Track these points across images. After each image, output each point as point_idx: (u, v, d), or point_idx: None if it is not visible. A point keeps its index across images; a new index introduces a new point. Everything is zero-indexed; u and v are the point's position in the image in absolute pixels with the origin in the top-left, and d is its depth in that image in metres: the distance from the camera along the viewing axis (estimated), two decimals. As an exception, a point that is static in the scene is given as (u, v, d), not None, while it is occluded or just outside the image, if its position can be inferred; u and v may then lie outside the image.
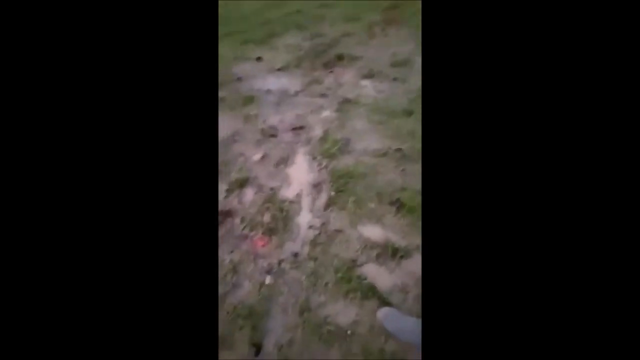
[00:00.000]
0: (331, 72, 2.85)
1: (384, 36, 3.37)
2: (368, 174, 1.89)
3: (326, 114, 2.40)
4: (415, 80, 2.68)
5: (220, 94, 2.68)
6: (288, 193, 1.82)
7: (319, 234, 1.62)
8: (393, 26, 3.53)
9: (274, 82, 2.79)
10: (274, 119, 2.38)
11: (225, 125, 2.34)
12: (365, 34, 3.40)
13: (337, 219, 1.67)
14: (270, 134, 2.25)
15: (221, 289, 1.43)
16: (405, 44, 3.20)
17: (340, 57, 2.99)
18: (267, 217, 1.70)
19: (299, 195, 1.80)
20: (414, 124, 2.25)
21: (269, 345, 1.28)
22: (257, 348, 1.27)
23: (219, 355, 1.24)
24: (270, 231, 1.65)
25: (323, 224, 1.66)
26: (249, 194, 1.83)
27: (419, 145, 2.07)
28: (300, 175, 1.91)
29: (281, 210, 1.71)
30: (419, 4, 3.87)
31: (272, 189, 1.83)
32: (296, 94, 2.64)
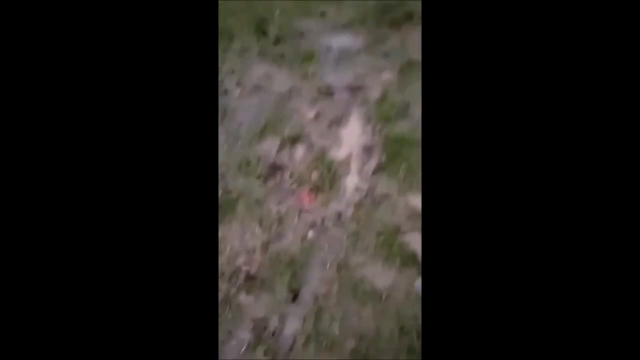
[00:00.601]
0: (397, 31, 2.66)
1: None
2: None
3: (387, 75, 2.27)
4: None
5: (280, 49, 2.65)
6: (338, 154, 1.80)
7: (365, 196, 1.60)
8: None
9: (336, 39, 2.68)
10: (331, 77, 2.32)
11: (283, 81, 2.34)
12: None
13: (384, 185, 1.63)
14: (327, 92, 2.20)
15: (265, 237, 1.50)
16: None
17: (409, 15, 2.77)
18: (315, 175, 1.71)
19: (348, 157, 1.77)
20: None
21: (306, 294, 1.34)
22: (294, 294, 1.33)
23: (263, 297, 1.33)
24: (317, 189, 1.67)
25: (370, 188, 1.63)
26: (300, 150, 1.84)
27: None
28: (352, 137, 1.87)
29: (329, 170, 1.71)
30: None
31: (322, 148, 1.83)
32: (357, 52, 2.52)
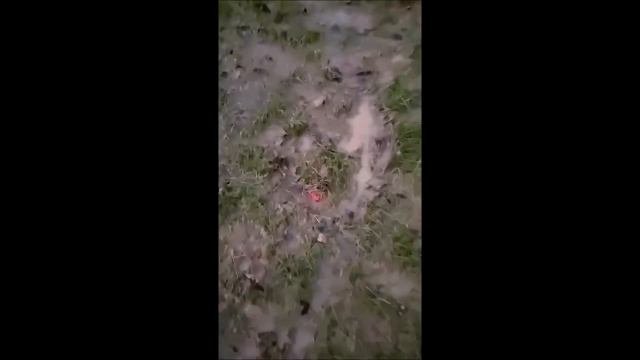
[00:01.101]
0: (409, 8, 2.45)
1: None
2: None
3: (398, 58, 2.09)
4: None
5: (284, 27, 2.43)
6: (348, 147, 1.65)
7: (379, 196, 1.47)
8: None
9: (343, 17, 2.46)
10: (338, 60, 2.12)
11: (287, 63, 2.14)
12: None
13: (400, 182, 1.50)
14: (334, 77, 2.02)
15: (272, 240, 1.37)
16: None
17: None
18: (324, 171, 1.56)
19: (359, 151, 1.62)
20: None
21: (317, 305, 1.23)
22: (305, 306, 1.22)
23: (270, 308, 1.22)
24: (326, 186, 1.53)
25: (384, 186, 1.50)
26: (306, 142, 1.69)
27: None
28: (363, 127, 1.72)
29: (339, 165, 1.56)
30: None
31: (331, 140, 1.67)
32: (366, 32, 2.31)
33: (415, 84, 1.91)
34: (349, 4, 2.60)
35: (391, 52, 2.14)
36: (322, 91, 1.94)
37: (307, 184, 1.54)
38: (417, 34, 2.24)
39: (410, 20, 2.38)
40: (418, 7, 2.43)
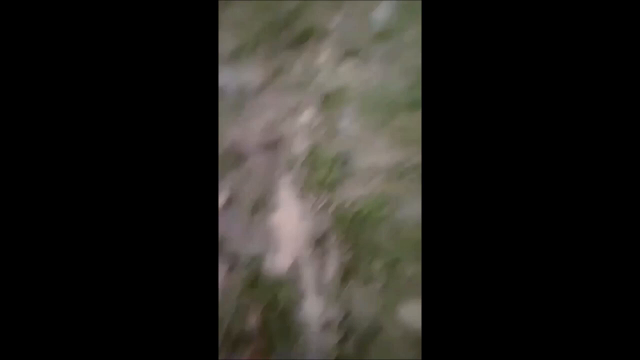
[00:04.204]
0: (302, 51, 2.07)
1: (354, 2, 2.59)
2: (388, 208, 1.24)
3: (307, 116, 1.67)
4: (411, 57, 2.00)
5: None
6: (277, 264, 1.12)
7: (345, 337, 0.97)
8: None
9: (227, 76, 1.96)
10: (235, 132, 1.61)
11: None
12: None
13: (366, 301, 1.03)
14: (235, 157, 1.49)
15: None
16: (385, 6, 2.46)
17: (308, 33, 2.20)
18: (253, 318, 1.01)
19: (294, 268, 1.11)
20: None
21: None
22: None
23: None
24: (263, 340, 0.98)
25: (347, 316, 1.01)
26: (220, 273, 1.11)
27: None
28: (290, 227, 1.21)
29: (273, 305, 1.03)
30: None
31: (249, 263, 1.12)
32: (260, 89, 1.85)
33: (338, 144, 1.50)
34: (229, 57, 2.12)
35: (295, 108, 1.71)
36: (224, 181, 1.39)
37: (235, 349, 0.96)
38: (319, 80, 1.86)
39: (306, 63, 2.01)
40: (312, 47, 2.08)
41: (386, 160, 1.42)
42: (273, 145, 1.49)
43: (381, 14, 2.42)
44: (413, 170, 1.39)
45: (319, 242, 1.16)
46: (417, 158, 1.45)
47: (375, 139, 1.52)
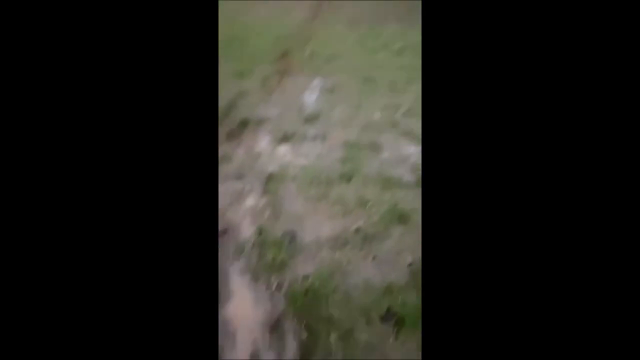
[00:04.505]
0: (240, 142, 2.24)
1: (283, 89, 2.94)
2: (338, 277, 1.33)
3: (251, 200, 1.77)
4: (340, 133, 2.28)
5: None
6: (236, 356, 1.11)
7: None
8: (289, 75, 3.14)
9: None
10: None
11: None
12: (262, 90, 2.91)
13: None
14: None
15: None
16: (310, 92, 2.82)
17: (244, 123, 2.42)
18: None
19: (254, 356, 1.11)
20: (360, 189, 1.80)
21: None
22: None
23: None
24: None
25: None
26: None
27: (376, 216, 1.62)
28: (246, 316, 1.23)
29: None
30: (313, 47, 3.60)
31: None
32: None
33: (283, 223, 1.60)
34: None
35: (240, 195, 1.81)
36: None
37: None
38: (259, 166, 2.02)
39: (247, 150, 2.18)
40: (248, 136, 2.27)
41: (329, 232, 1.55)
42: (222, 234, 1.55)
43: (309, 97, 2.76)
44: (354, 237, 1.52)
45: (275, 327, 1.18)
46: (357, 224, 1.60)
47: (316, 213, 1.66)
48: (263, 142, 2.25)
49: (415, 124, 2.34)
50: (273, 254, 1.43)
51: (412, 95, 2.70)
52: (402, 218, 1.60)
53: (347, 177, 1.90)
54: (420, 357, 1.06)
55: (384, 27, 4.50)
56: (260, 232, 1.55)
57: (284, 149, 2.16)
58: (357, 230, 1.56)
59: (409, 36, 4.11)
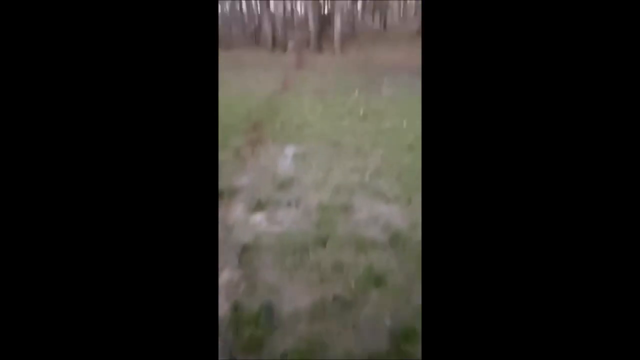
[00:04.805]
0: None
1: (256, 158, 3.06)
2: (318, 351, 1.28)
3: (227, 274, 1.74)
4: (313, 198, 2.36)
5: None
6: None
7: None
8: (261, 145, 3.29)
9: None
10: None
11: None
12: (235, 161, 3.01)
13: None
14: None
15: None
16: (283, 159, 2.95)
17: (220, 193, 2.46)
18: None
19: None
20: (335, 252, 1.82)
21: None
22: None
23: None
24: None
25: None
26: None
27: (352, 281, 1.62)
28: None
29: None
30: (283, 116, 3.84)
31: None
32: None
33: (259, 297, 1.56)
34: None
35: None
36: None
37: None
38: (234, 237, 2.01)
39: (221, 221, 2.18)
40: (224, 209, 2.29)
41: (307, 302, 1.52)
42: (194, 314, 1.48)
43: (282, 164, 2.88)
44: (332, 305, 1.50)
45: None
46: (335, 291, 1.58)
47: (293, 282, 1.64)
48: (237, 211, 2.27)
49: (384, 185, 2.47)
50: (250, 331, 1.37)
51: (378, 158, 2.89)
52: (377, 281, 1.61)
53: (323, 241, 1.93)
54: None
55: (348, 96, 4.93)
56: (235, 307, 1.50)
57: (258, 217, 2.19)
58: (335, 298, 1.55)
59: (371, 103, 4.51)
